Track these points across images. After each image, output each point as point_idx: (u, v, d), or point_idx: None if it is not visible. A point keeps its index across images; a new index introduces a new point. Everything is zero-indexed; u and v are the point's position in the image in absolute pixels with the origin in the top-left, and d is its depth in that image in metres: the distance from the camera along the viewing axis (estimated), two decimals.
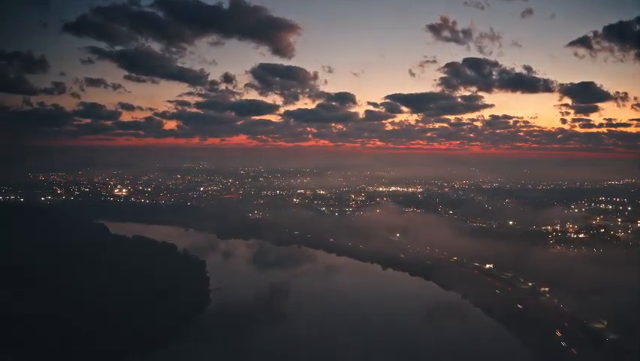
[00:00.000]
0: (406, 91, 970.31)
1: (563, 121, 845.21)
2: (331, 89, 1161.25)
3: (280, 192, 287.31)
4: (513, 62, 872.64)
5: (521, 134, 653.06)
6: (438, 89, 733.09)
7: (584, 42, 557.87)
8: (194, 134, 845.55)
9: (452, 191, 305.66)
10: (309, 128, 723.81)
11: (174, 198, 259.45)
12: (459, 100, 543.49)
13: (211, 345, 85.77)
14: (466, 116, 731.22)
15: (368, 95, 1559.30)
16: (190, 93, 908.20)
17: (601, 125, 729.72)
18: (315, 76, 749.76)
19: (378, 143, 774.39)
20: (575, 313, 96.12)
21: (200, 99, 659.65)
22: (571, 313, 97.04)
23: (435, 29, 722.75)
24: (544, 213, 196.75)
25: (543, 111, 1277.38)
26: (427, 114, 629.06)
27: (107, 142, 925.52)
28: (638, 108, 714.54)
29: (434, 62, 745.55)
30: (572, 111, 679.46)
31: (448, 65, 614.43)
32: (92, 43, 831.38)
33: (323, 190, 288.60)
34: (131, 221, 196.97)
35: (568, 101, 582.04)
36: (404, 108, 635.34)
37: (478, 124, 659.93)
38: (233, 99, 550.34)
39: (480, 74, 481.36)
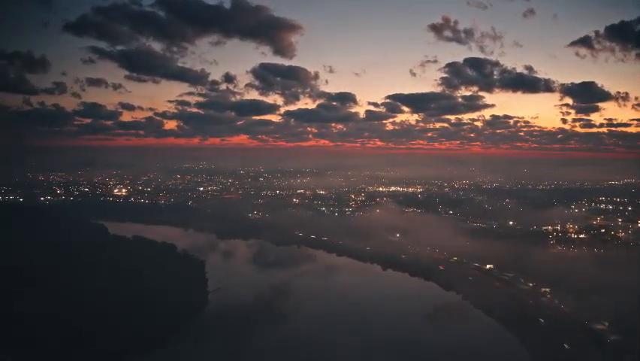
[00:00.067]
0: (406, 91, 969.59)
1: (564, 121, 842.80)
2: (332, 89, 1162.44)
3: (280, 192, 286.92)
4: (514, 61, 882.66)
5: (522, 134, 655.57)
6: (439, 89, 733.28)
7: (585, 42, 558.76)
8: (194, 135, 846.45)
9: (452, 191, 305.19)
10: (309, 128, 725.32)
11: (174, 198, 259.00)
12: (460, 100, 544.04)
13: (211, 345, 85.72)
14: (466, 116, 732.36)
15: (369, 95, 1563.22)
16: (190, 93, 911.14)
17: (601, 125, 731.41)
18: (316, 76, 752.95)
19: (379, 143, 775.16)
20: (576, 314, 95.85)
21: (200, 99, 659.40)
22: (572, 314, 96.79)
23: (436, 29, 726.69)
24: (544, 214, 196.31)
25: (544, 111, 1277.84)
26: (427, 114, 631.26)
27: (107, 142, 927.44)
28: (638, 108, 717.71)
29: (435, 61, 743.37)
30: (572, 111, 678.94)
31: (449, 65, 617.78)
32: (92, 43, 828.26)
33: (323, 190, 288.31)
34: (131, 221, 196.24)
35: (569, 101, 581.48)
36: (405, 108, 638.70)
37: (479, 124, 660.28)
38: (233, 99, 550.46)
39: (481, 73, 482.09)
